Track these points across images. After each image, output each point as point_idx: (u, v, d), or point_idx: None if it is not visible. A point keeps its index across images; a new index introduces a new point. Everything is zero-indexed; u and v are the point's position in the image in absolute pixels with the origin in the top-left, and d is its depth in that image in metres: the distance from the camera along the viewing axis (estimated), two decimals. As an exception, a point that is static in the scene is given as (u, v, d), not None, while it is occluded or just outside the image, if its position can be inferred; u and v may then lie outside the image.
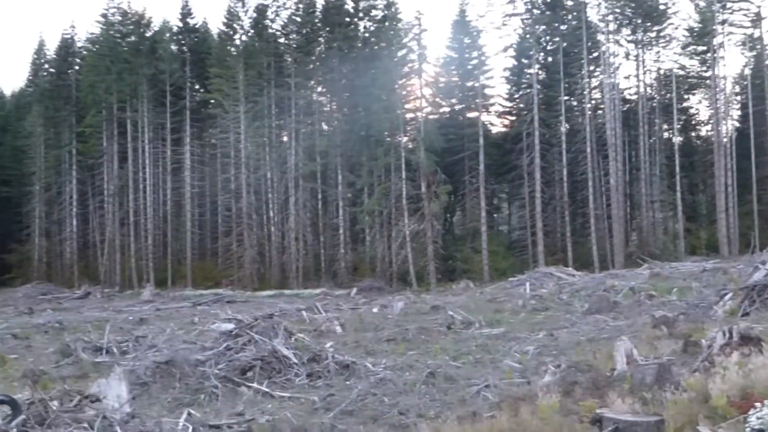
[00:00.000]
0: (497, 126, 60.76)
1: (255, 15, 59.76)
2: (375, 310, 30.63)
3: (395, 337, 20.83)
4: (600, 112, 54.32)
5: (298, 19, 58.93)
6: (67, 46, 69.77)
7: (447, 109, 58.50)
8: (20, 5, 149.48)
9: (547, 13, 53.15)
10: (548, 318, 24.32)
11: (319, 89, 59.99)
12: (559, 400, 10.45)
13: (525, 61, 55.44)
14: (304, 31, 58.50)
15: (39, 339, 25.82)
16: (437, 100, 58.02)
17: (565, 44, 53.08)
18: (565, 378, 11.84)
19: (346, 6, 57.26)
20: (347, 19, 56.69)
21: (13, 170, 70.77)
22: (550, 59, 55.23)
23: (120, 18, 64.62)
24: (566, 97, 53.56)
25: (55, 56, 70.87)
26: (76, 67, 68.52)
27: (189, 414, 11.47)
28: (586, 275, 36.50)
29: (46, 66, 71.58)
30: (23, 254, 67.43)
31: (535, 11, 52.67)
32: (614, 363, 12.70)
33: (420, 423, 10.64)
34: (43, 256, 67.03)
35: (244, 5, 60.86)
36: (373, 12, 55.28)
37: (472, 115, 56.03)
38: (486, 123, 57.10)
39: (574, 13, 53.13)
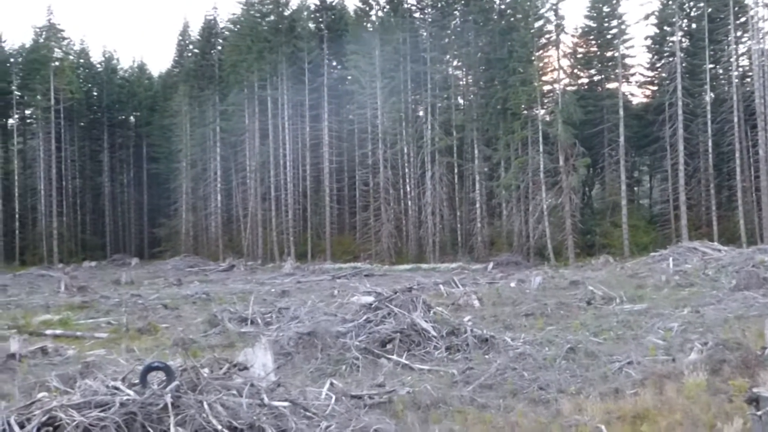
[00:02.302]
0: (638, 96, 60.00)
1: None
2: (512, 284, 30.45)
3: (534, 312, 20.71)
4: (748, 80, 52.30)
5: None
6: (210, 28, 73.23)
7: (585, 81, 57.87)
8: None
9: (692, -23, 52.04)
10: (693, 294, 23.78)
11: (455, 63, 59.96)
12: (707, 378, 10.45)
13: (667, 28, 54.20)
14: (439, 5, 59.11)
15: (187, 309, 26.74)
16: (575, 71, 57.03)
17: (710, 10, 51.51)
18: (713, 356, 11.75)
19: None
20: None
21: (161, 148, 75.41)
22: (694, 26, 53.84)
23: None
24: (711, 65, 52.12)
25: (198, 38, 74.80)
26: (219, 48, 72.10)
27: (331, 384, 11.62)
28: (732, 250, 35.37)
29: (191, 47, 75.85)
30: (171, 228, 71.94)
31: (679, -24, 51.58)
32: (765, 341, 12.67)
33: (561, 398, 10.60)
34: (189, 230, 70.71)
35: None
36: None
37: (611, 85, 55.40)
38: (626, 94, 56.24)
39: (721, -23, 51.48)
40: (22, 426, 7.58)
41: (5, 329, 21.96)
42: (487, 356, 14.14)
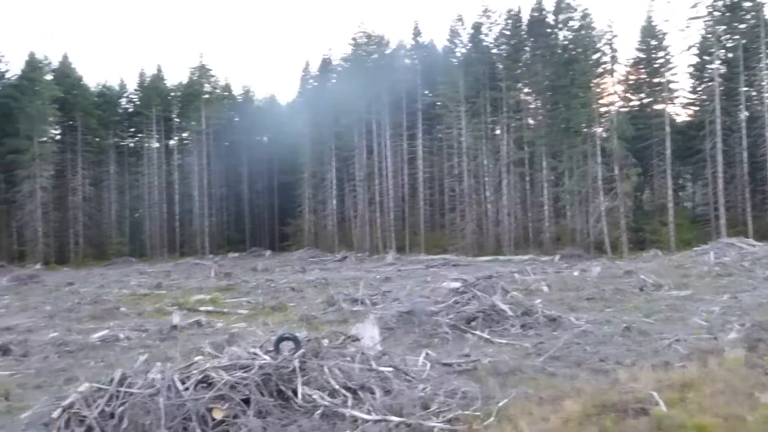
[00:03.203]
0: (681, 116, 59.16)
1: (472, 31, 61.64)
2: (575, 273, 29.72)
3: (594, 296, 20.30)
4: (778, 99, 51.54)
5: (507, 33, 59.91)
6: (326, 64, 74.76)
7: (636, 103, 57.46)
8: (289, 37, 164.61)
9: (727, 14, 51.17)
10: (731, 282, 23.08)
11: (526, 90, 59.89)
12: (745, 354, 10.27)
13: (707, 57, 53.74)
14: (512, 42, 59.42)
15: (310, 291, 26.68)
16: (627, 95, 57.22)
17: (744, 41, 51.00)
18: (750, 335, 11.51)
19: (548, 19, 57.48)
20: (548, 30, 56.77)
21: (288, 162, 75.65)
22: (730, 55, 52.96)
23: (365, 40, 68.11)
24: (746, 88, 51.53)
25: (317, 73, 75.96)
26: (333, 80, 72.26)
27: (426, 353, 11.51)
28: (766, 245, 34.35)
29: (311, 81, 76.78)
30: (297, 227, 72.43)
31: (716, 13, 50.72)
32: (795, 323, 12.41)
33: (618, 369, 10.33)
34: (311, 227, 71.07)
35: (463, 24, 63.60)
36: (571, 23, 55.15)
37: (658, 107, 54.99)
38: (671, 113, 55.64)
39: (753, 13, 50.70)
40: (183, 382, 7.78)
41: (169, 306, 22.75)
42: (554, 333, 13.97)
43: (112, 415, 7.36)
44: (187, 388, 7.66)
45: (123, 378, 7.91)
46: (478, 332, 14.16)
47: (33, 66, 66.23)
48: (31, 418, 8.16)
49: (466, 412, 8.07)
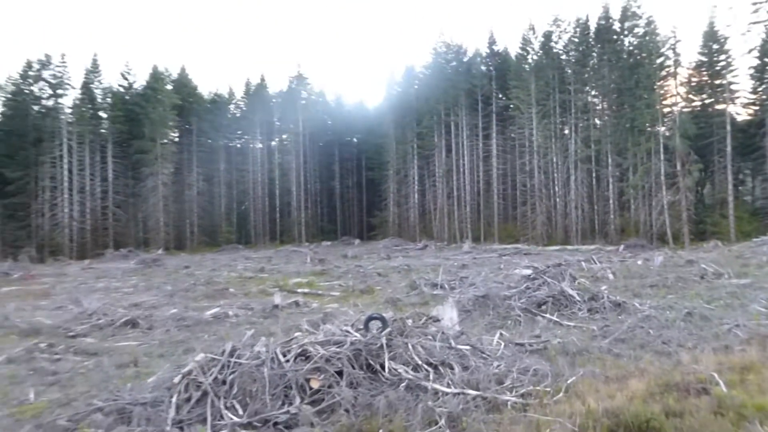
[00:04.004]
0: (742, 114, 56.79)
1: (542, 39, 60.61)
2: (639, 262, 28.96)
3: (657, 284, 19.68)
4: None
5: (576, 40, 58.85)
6: (409, 72, 74.33)
7: (698, 103, 55.39)
8: (376, 47, 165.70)
9: (787, 17, 48.48)
10: None
11: (593, 92, 58.73)
12: None
13: (767, 59, 51.53)
14: (580, 49, 58.34)
15: (394, 276, 26.61)
16: (690, 96, 55.33)
17: None
18: None
19: (614, 26, 55.98)
20: (614, 37, 55.45)
21: (374, 160, 76.53)
22: None
23: (445, 49, 68.01)
24: None
25: (400, 80, 75.63)
26: (415, 86, 71.78)
27: (501, 334, 11.44)
28: None
29: (395, 87, 76.22)
30: (382, 218, 73.18)
31: (777, 16, 48.15)
32: None
33: (680, 351, 10.09)
34: (395, 219, 71.11)
35: (534, 32, 62.23)
36: (636, 29, 53.65)
37: (720, 107, 53.07)
38: (732, 113, 53.59)
39: (814, 15, 47.58)
40: (284, 355, 7.93)
41: (271, 288, 22.99)
42: (620, 317, 13.62)
43: (224, 382, 7.59)
44: (287, 360, 7.82)
45: (233, 350, 8.11)
46: (547, 315, 13.91)
47: (156, 77, 68.78)
48: (156, 382, 8.44)
49: (537, 388, 7.99)
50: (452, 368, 8.23)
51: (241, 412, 7.15)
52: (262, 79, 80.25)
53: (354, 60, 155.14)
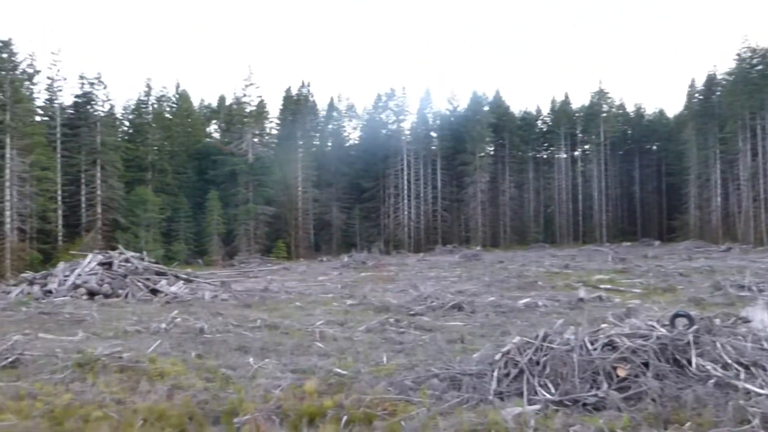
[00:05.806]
0: None
1: None
2: None
3: None
4: None
5: None
6: (710, 79, 70.96)
7: None
8: (675, 56, 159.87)
9: None
10: None
11: None
12: None
13: None
14: None
15: (696, 277, 25.42)
16: None
17: None
18: None
19: None
20: None
21: (675, 166, 74.75)
22: None
23: (749, 54, 63.76)
24: None
25: (702, 87, 72.59)
26: (718, 93, 69.13)
27: None
28: None
29: (696, 94, 73.69)
30: (682, 221, 70.99)
31: None
32: None
33: None
34: (696, 222, 68.75)
35: None
36: None
37: None
38: None
39: None
40: (591, 344, 7.86)
41: (575, 282, 23.05)
42: None
43: (537, 363, 7.80)
44: (595, 349, 7.73)
45: (545, 336, 8.25)
46: None
47: (475, 101, 77.53)
48: (480, 358, 8.85)
49: None
50: (765, 370, 7.44)
51: (553, 390, 7.30)
52: (566, 96, 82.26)
53: (654, 70, 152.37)
